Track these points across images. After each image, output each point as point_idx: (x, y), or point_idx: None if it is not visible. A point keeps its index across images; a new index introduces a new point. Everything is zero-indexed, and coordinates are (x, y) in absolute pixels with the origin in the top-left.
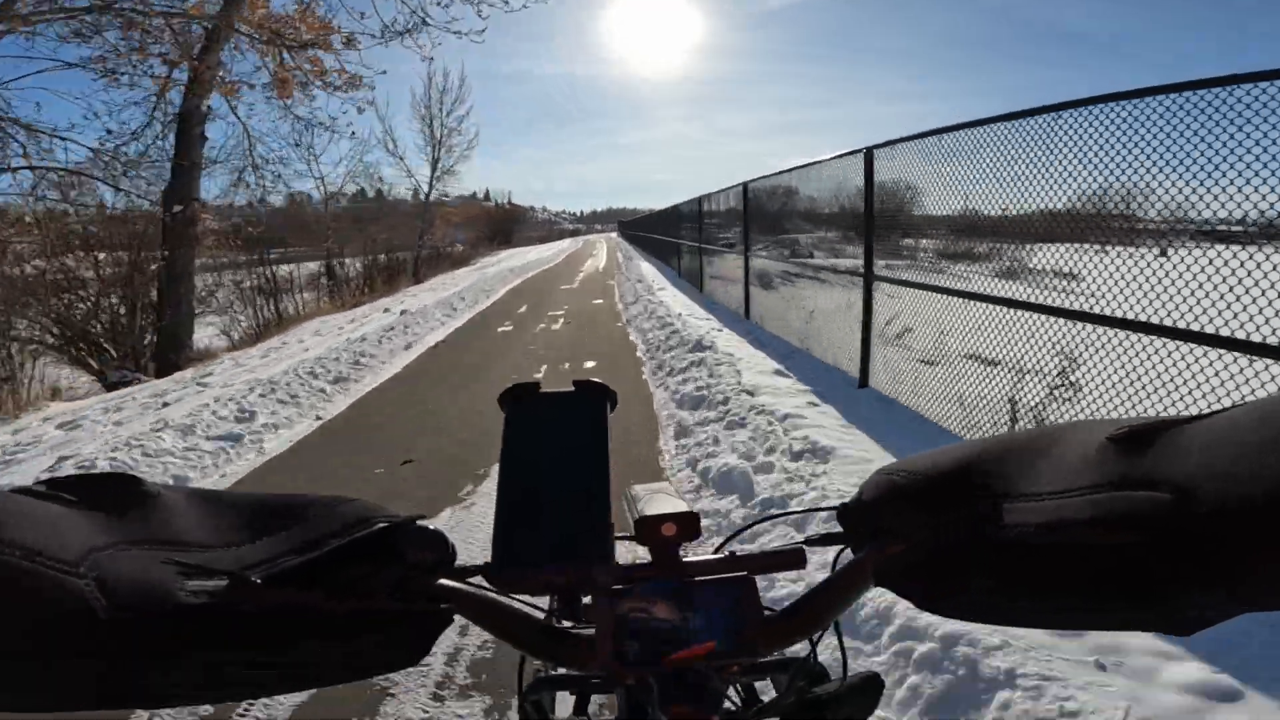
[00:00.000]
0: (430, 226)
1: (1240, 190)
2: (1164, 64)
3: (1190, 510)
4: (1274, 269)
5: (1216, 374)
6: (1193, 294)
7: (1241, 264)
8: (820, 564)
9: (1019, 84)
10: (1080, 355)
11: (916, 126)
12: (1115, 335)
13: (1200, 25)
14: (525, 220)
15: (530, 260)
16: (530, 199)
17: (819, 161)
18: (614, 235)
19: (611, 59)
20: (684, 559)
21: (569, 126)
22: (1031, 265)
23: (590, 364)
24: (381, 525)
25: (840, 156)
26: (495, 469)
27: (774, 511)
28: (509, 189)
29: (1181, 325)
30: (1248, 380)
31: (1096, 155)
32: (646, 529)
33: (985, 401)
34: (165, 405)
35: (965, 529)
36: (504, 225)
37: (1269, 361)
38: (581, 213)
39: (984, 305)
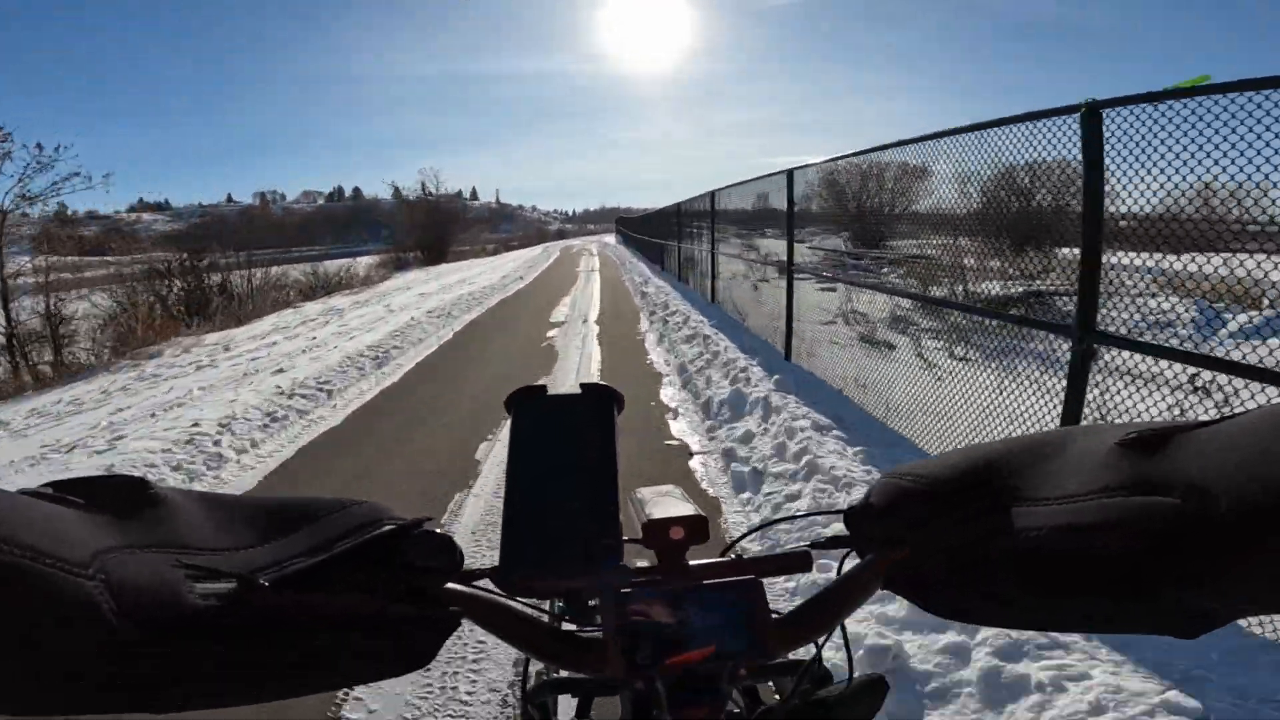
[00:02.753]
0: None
1: None
2: (1159, 63)
3: (1202, 514)
4: None
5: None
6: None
7: None
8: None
9: (1006, 84)
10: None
11: (907, 125)
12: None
13: (1199, 27)
14: (512, 217)
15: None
16: (520, 197)
17: (757, 178)
18: (610, 240)
19: (602, 57)
20: (691, 562)
21: (559, 125)
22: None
23: None
24: (389, 528)
25: (768, 176)
26: None
27: (780, 515)
28: (498, 186)
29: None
30: None
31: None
32: (654, 532)
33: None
34: None
35: (974, 534)
36: (436, 229)
37: None
38: (573, 211)
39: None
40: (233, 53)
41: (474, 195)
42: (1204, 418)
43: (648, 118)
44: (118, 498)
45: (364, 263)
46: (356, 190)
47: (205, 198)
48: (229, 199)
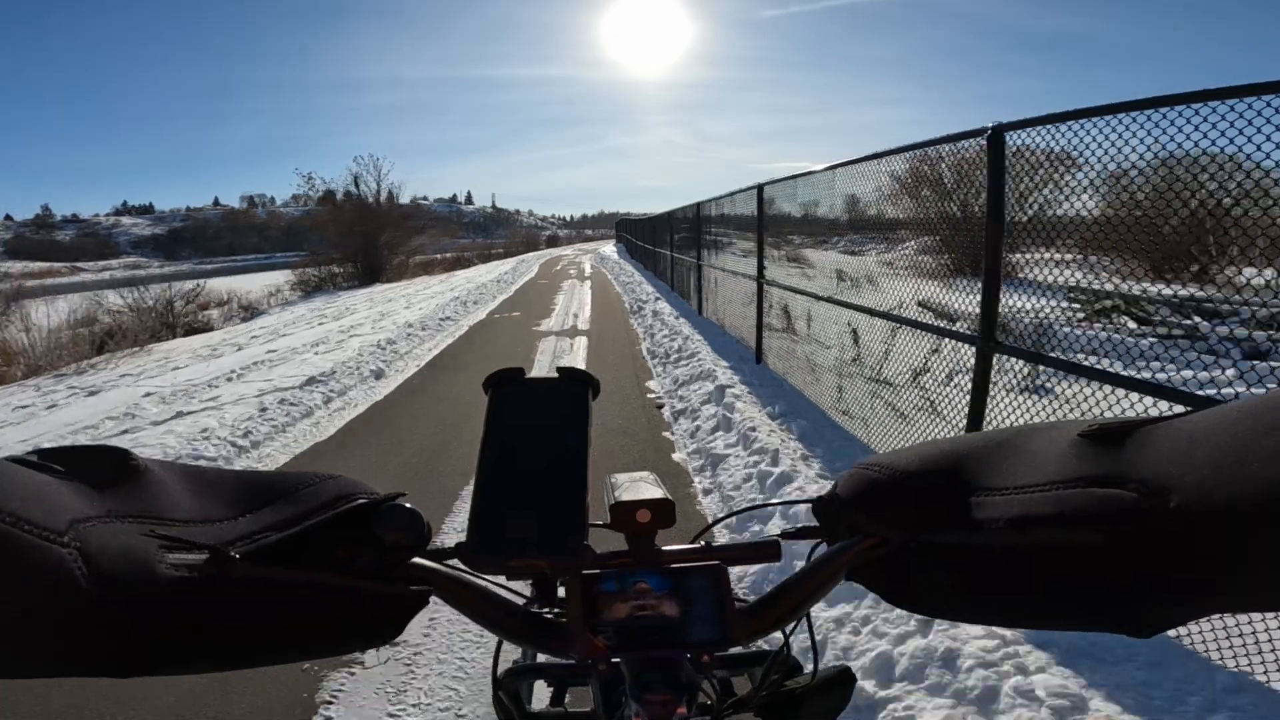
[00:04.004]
0: None
1: None
2: (1155, 67)
3: (1158, 508)
4: None
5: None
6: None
7: None
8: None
9: (996, 91)
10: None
11: (902, 133)
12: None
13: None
14: (508, 222)
15: None
16: (517, 203)
17: (733, 193)
18: (609, 252)
19: (602, 64)
20: (660, 548)
21: (558, 132)
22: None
23: None
24: (361, 501)
25: (742, 191)
26: None
27: (752, 503)
28: (495, 191)
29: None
30: None
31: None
32: (622, 515)
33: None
34: None
35: (936, 525)
36: (366, 239)
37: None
38: (571, 217)
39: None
40: (230, 57)
41: (469, 200)
42: (1168, 413)
43: (646, 125)
44: (98, 468)
45: (264, 283)
46: (347, 195)
47: (194, 201)
48: (215, 202)
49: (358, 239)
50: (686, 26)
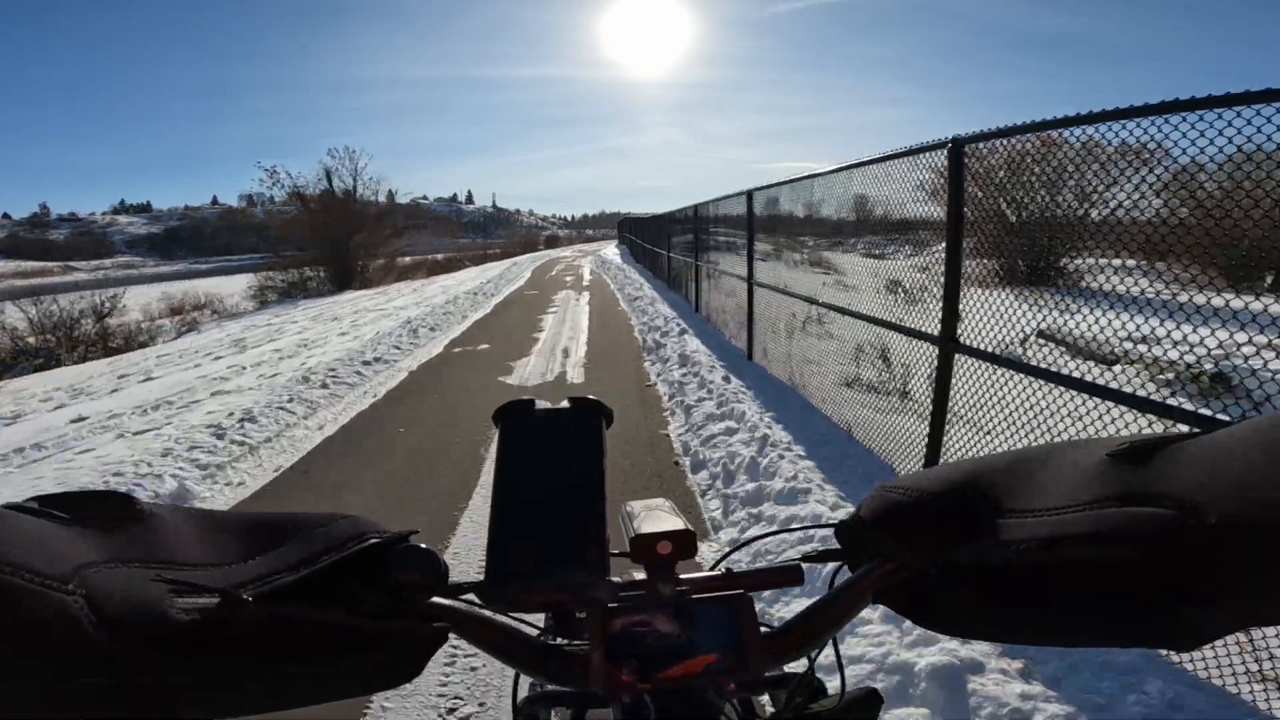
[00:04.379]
0: None
1: None
2: (1151, 69)
3: (1195, 525)
4: None
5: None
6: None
7: None
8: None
9: (995, 92)
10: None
11: (902, 134)
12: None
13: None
14: (508, 222)
15: None
16: (518, 202)
17: (723, 198)
18: (611, 255)
19: (602, 64)
20: (680, 576)
21: (558, 132)
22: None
23: None
24: (374, 541)
25: (730, 196)
26: None
27: (770, 529)
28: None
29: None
30: None
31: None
32: (642, 547)
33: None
34: None
35: (965, 546)
36: (335, 239)
37: None
38: (572, 217)
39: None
40: (231, 57)
41: (469, 199)
42: (1192, 430)
43: (647, 125)
44: (101, 513)
45: (252, 283)
46: (347, 193)
47: (194, 200)
48: (214, 201)
49: (328, 240)
50: (686, 26)
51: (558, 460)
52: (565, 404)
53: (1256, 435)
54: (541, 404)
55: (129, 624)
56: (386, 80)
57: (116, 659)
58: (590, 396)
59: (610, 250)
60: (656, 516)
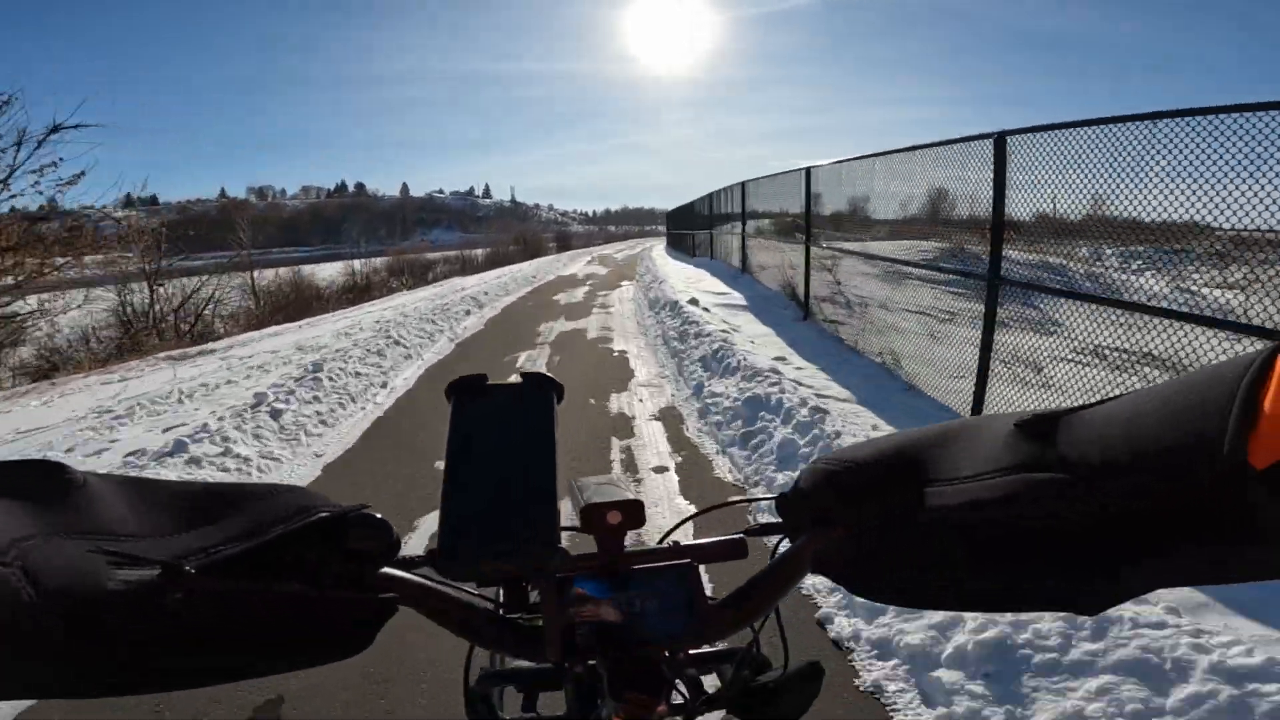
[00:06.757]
0: None
1: None
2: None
3: (1088, 490)
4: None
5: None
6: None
7: None
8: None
9: (1001, 92)
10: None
11: (907, 133)
12: None
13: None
14: (526, 216)
15: None
16: (538, 197)
17: (781, 173)
18: (668, 267)
19: (623, 60)
20: (629, 548)
21: (580, 127)
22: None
23: None
24: (324, 514)
25: (787, 172)
26: None
27: (715, 503)
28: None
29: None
30: None
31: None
32: (592, 517)
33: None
34: None
35: (893, 515)
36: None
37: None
38: (593, 212)
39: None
40: (245, 51)
41: (487, 193)
42: (1089, 403)
43: (669, 121)
44: (33, 484)
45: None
46: (359, 186)
47: (203, 193)
48: (222, 194)
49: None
50: (711, 22)
51: (510, 434)
52: (516, 378)
53: (1152, 401)
54: (493, 381)
55: (69, 596)
56: (409, 74)
57: (58, 633)
58: (541, 372)
59: (657, 256)
60: (607, 489)
